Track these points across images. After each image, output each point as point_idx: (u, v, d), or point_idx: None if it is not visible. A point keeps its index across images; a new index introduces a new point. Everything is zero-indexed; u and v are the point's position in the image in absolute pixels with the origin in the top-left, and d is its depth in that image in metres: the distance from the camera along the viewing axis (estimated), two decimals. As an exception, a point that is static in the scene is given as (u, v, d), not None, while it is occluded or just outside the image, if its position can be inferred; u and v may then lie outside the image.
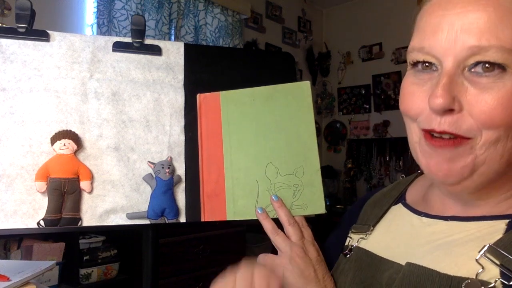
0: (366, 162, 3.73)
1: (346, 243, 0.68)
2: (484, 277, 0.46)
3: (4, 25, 1.78)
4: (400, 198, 0.67)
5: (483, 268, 0.46)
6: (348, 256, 0.64)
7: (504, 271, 0.45)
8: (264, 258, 0.67)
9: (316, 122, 0.77)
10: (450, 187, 0.52)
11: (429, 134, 0.51)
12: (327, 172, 3.78)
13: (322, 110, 4.10)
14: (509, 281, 0.44)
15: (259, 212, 0.71)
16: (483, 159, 0.48)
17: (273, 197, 0.71)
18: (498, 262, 0.45)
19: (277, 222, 0.70)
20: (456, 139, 0.49)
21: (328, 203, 3.67)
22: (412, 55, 0.53)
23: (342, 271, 0.64)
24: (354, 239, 0.67)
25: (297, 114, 0.76)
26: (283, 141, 0.75)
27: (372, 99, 3.74)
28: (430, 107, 0.48)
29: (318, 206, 0.72)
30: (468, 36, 0.46)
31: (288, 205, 0.72)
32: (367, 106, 3.79)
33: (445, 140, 0.49)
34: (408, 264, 0.52)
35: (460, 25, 0.47)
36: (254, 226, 0.69)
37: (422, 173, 0.70)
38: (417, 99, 0.52)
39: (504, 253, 0.45)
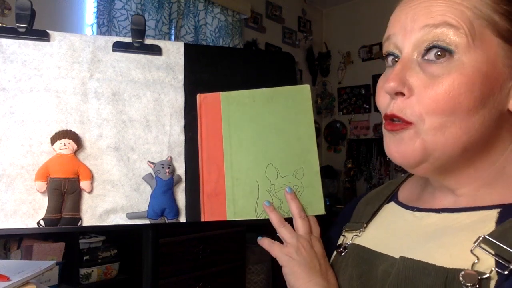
0: (366, 162, 3.72)
1: (340, 242, 0.68)
2: (479, 268, 0.46)
3: (4, 25, 1.78)
4: (392, 197, 0.68)
5: (478, 259, 0.46)
6: (343, 254, 0.65)
7: (499, 260, 0.45)
8: (270, 244, 0.67)
9: (316, 122, 0.77)
10: (411, 169, 0.55)
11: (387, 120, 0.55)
12: (327, 172, 3.78)
13: (322, 110, 4.10)
14: (504, 270, 0.44)
15: (267, 205, 0.72)
16: (433, 145, 0.51)
17: (287, 189, 0.72)
18: (493, 252, 0.46)
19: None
20: (402, 123, 0.52)
21: (328, 203, 3.68)
22: (383, 48, 0.57)
23: (339, 268, 0.64)
24: (348, 237, 0.67)
25: (297, 117, 0.76)
26: (283, 142, 0.75)
27: (372, 99, 3.74)
28: (384, 90, 0.53)
29: (318, 208, 0.72)
30: (426, 16, 0.50)
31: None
32: (367, 106, 3.79)
33: (395, 124, 0.53)
34: (402, 258, 0.52)
35: (419, 10, 0.51)
36: (254, 226, 0.69)
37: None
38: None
39: (499, 243, 0.46)
